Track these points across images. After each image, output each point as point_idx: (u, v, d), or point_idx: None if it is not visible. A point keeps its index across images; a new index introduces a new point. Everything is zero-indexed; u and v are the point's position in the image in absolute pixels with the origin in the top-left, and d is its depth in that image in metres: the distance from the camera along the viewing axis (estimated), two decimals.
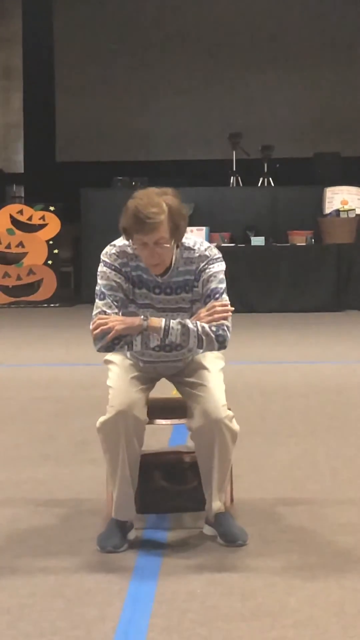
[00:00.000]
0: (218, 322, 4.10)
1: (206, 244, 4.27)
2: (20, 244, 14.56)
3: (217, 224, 14.08)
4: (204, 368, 4.24)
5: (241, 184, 15.11)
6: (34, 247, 14.55)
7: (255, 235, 14.06)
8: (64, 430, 6.37)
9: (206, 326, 4.08)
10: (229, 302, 4.16)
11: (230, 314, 4.13)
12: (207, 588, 3.65)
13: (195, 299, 4.22)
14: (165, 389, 4.60)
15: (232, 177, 15.09)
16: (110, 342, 4.08)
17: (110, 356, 4.31)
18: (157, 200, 4.02)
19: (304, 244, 13.82)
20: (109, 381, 4.22)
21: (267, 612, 3.42)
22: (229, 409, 4.14)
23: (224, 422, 4.09)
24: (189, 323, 4.09)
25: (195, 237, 4.30)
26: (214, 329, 4.08)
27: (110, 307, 4.14)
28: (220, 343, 4.10)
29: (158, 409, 4.35)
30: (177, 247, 4.19)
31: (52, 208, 14.64)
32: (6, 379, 8.47)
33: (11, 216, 14.63)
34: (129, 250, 4.17)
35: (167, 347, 4.23)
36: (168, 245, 4.06)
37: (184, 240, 4.21)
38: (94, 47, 18.53)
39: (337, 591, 3.61)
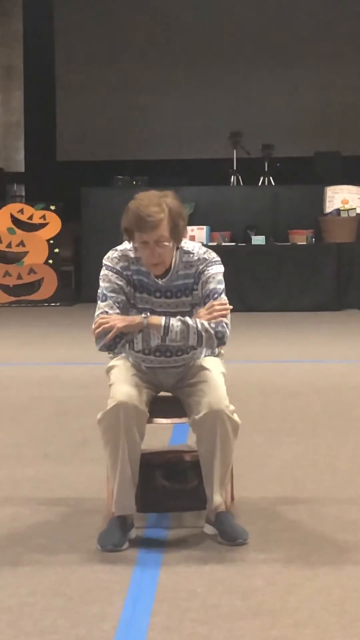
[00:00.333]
0: (217, 320, 4.16)
1: (204, 248, 4.35)
2: (21, 243, 14.55)
3: (217, 223, 14.07)
4: (205, 369, 4.27)
5: (242, 183, 15.10)
6: (35, 246, 14.54)
7: (255, 235, 14.05)
8: (64, 429, 6.38)
9: (205, 323, 4.14)
10: (227, 302, 4.22)
11: (228, 312, 4.19)
12: (207, 587, 3.65)
13: (195, 303, 4.29)
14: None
15: (232, 176, 15.08)
16: (112, 340, 4.13)
17: (112, 362, 4.33)
18: (157, 201, 4.12)
19: (305, 243, 13.82)
20: (111, 380, 4.25)
21: (268, 611, 3.43)
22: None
23: (226, 412, 4.11)
24: (189, 320, 4.15)
25: (194, 243, 4.37)
26: (212, 325, 4.14)
27: (112, 307, 4.20)
28: (219, 339, 4.15)
29: (158, 408, 4.36)
30: (177, 249, 4.25)
31: (52, 207, 14.63)
32: (7, 378, 8.48)
33: (12, 215, 14.63)
34: (131, 254, 4.25)
35: (167, 353, 4.28)
36: (168, 244, 4.14)
37: (183, 245, 4.28)
38: (94, 46, 18.53)
39: (338, 590, 3.61)
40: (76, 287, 15.46)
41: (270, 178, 15.16)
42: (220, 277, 4.27)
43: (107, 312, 4.19)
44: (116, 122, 18.42)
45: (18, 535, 4.29)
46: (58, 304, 14.45)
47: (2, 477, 5.26)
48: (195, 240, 12.99)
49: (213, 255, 4.32)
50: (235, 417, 4.16)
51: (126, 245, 4.29)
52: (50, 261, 14.56)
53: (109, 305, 4.20)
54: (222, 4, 18.42)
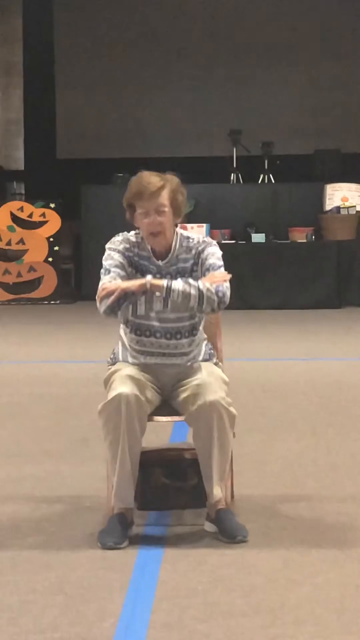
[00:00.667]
0: (217, 282, 4.25)
1: (203, 236, 4.49)
2: (21, 241, 14.55)
3: (217, 221, 14.07)
4: (202, 369, 4.30)
5: (242, 181, 15.11)
6: (35, 244, 14.54)
7: (255, 232, 14.05)
8: (65, 427, 6.38)
9: (207, 283, 4.23)
10: (226, 272, 4.32)
11: (228, 277, 4.28)
12: (207, 584, 3.65)
13: None
14: None
15: (232, 174, 15.08)
16: (115, 301, 4.19)
17: (112, 368, 4.34)
18: (156, 174, 4.33)
19: (305, 240, 13.82)
20: (111, 378, 4.25)
21: (268, 608, 3.43)
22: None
23: (221, 403, 4.12)
24: (190, 280, 4.24)
25: (194, 233, 4.49)
26: (214, 286, 4.22)
27: (115, 279, 4.28)
28: (219, 297, 4.22)
29: (158, 407, 4.36)
30: (178, 236, 4.36)
31: (52, 205, 14.63)
32: (7, 376, 8.48)
33: (12, 213, 14.62)
34: (132, 239, 4.36)
35: (167, 334, 4.29)
36: (167, 210, 4.27)
37: (183, 232, 4.40)
38: (94, 44, 18.52)
39: (338, 587, 3.61)
40: (76, 285, 15.46)
41: (270, 176, 15.16)
42: (219, 255, 4.37)
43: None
44: (116, 119, 18.41)
45: (18, 533, 4.29)
46: (58, 302, 14.45)
47: (2, 474, 5.26)
48: None
49: (211, 240, 4.44)
50: (232, 408, 4.16)
51: (127, 233, 4.41)
52: (50, 259, 14.55)
53: (112, 278, 4.27)
54: (222, 2, 18.41)
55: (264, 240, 13.91)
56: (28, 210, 14.63)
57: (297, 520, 4.41)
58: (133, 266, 4.34)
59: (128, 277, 4.30)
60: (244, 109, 17.99)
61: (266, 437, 6.03)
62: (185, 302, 4.20)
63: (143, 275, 4.29)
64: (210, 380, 4.21)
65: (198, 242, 4.38)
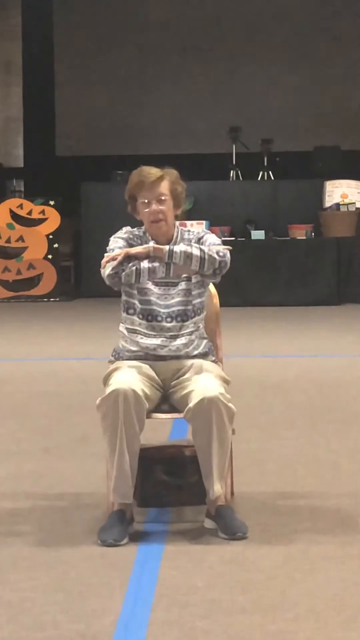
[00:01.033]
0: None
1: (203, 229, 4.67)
2: (20, 239, 14.55)
3: (217, 218, 14.06)
4: (202, 366, 4.32)
5: (241, 178, 15.10)
6: (34, 241, 14.54)
7: (255, 229, 14.05)
8: (64, 425, 6.38)
9: (207, 248, 4.39)
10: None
11: (229, 249, 4.44)
12: (207, 581, 3.65)
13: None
14: None
15: (232, 171, 15.08)
16: (119, 265, 4.34)
17: (111, 367, 4.36)
18: (155, 168, 4.48)
19: (304, 237, 13.82)
20: (111, 375, 4.27)
21: (268, 605, 3.43)
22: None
23: (220, 399, 4.13)
24: (192, 243, 4.42)
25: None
26: (214, 248, 4.39)
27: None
28: (221, 257, 4.37)
29: (158, 404, 4.36)
30: (178, 229, 4.49)
31: (52, 202, 14.63)
32: (6, 374, 8.48)
33: (11, 210, 14.63)
34: (136, 232, 4.51)
35: (168, 318, 4.36)
36: (168, 199, 4.41)
37: (183, 228, 4.53)
38: (93, 42, 18.51)
39: (338, 584, 3.61)
40: (75, 282, 15.46)
41: (270, 173, 15.16)
42: (219, 241, 4.51)
43: None
44: (115, 117, 18.40)
45: (18, 530, 4.29)
46: (57, 299, 14.46)
47: (2, 472, 5.26)
48: None
49: (209, 232, 4.60)
50: (231, 405, 4.17)
51: (130, 227, 4.56)
52: (50, 256, 14.56)
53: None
54: None
55: (263, 237, 13.91)
56: (27, 208, 14.63)
57: (296, 517, 4.41)
58: None
59: None
60: (244, 106, 17.99)
61: (266, 434, 6.03)
62: (187, 263, 4.35)
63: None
64: (209, 376, 4.22)
65: (198, 232, 4.54)
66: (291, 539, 4.10)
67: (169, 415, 4.41)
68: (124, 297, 4.45)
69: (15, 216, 14.60)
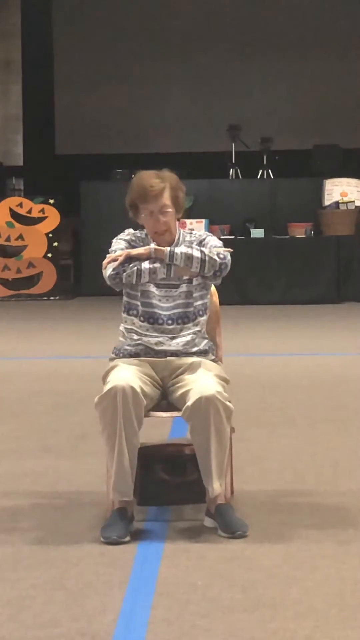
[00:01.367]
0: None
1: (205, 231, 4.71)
2: (20, 237, 14.55)
3: (216, 216, 14.06)
4: (201, 365, 4.32)
5: (240, 176, 15.10)
6: (34, 240, 14.54)
7: (254, 228, 14.05)
8: (64, 423, 6.38)
9: (208, 250, 4.42)
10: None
11: (230, 251, 4.47)
12: (207, 580, 3.65)
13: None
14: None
15: (231, 170, 15.07)
16: (120, 266, 4.38)
17: (110, 364, 4.36)
18: (157, 174, 4.49)
19: (304, 236, 13.81)
20: (110, 372, 4.27)
21: (268, 603, 3.43)
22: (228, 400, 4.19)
23: (218, 397, 4.13)
24: (193, 245, 4.44)
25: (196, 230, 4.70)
26: (215, 250, 4.42)
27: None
28: (221, 259, 4.40)
29: (158, 403, 4.36)
30: (179, 225, 4.51)
31: (51, 201, 14.63)
32: (6, 372, 8.48)
33: (11, 209, 14.62)
34: (138, 234, 4.54)
35: (169, 321, 4.38)
36: (171, 211, 4.43)
37: (184, 229, 4.54)
38: (93, 40, 18.50)
39: (338, 582, 3.61)
40: (75, 281, 15.46)
41: (269, 171, 15.15)
42: (221, 243, 4.53)
43: None
44: (115, 115, 18.39)
45: (18, 528, 4.29)
46: (57, 297, 14.46)
47: (1, 470, 5.26)
48: None
49: (211, 234, 4.64)
50: (229, 403, 4.17)
51: (132, 229, 4.59)
52: (49, 255, 14.56)
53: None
54: None
55: (263, 236, 13.91)
56: (27, 206, 14.63)
57: (297, 515, 4.41)
58: None
59: None
60: (243, 104, 17.98)
61: (266, 433, 6.03)
62: (188, 265, 4.37)
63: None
64: (207, 375, 4.22)
65: (199, 234, 4.57)
66: (291, 537, 4.10)
67: (168, 414, 4.41)
68: (125, 299, 4.46)
69: (15, 215, 14.59)
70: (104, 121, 18.40)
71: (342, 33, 18.17)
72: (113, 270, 4.38)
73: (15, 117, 19.36)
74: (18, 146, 19.35)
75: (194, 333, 4.43)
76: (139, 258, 4.39)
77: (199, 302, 4.46)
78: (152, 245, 4.41)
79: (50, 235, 14.56)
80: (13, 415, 6.68)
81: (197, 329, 4.45)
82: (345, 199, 13.94)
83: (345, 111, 18.07)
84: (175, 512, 4.47)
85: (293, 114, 18.06)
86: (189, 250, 4.38)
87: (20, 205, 14.69)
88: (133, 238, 4.52)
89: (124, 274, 4.37)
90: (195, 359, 4.37)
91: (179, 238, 4.49)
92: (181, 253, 4.36)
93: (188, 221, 12.94)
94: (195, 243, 4.48)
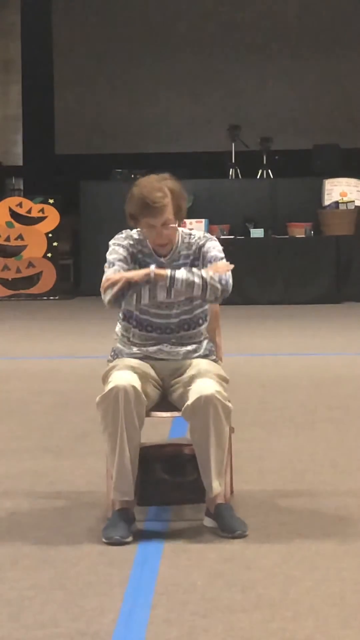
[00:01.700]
0: (220, 273, 4.31)
1: (204, 232, 4.57)
2: (20, 237, 14.55)
3: (216, 216, 14.07)
4: (198, 364, 4.32)
5: (240, 176, 15.09)
6: (34, 239, 14.54)
7: (254, 227, 14.05)
8: (64, 423, 6.38)
9: (210, 272, 4.28)
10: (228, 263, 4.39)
11: (231, 268, 4.33)
12: (207, 580, 3.65)
13: None
14: None
15: (231, 169, 15.07)
16: (120, 291, 4.24)
17: (111, 364, 4.35)
18: (159, 185, 4.30)
19: (303, 236, 13.81)
20: (110, 372, 4.27)
21: (268, 603, 3.43)
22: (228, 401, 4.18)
23: (217, 397, 4.13)
24: (194, 269, 4.30)
25: (195, 230, 4.58)
26: (217, 276, 4.28)
27: (118, 272, 4.32)
28: (223, 285, 4.27)
29: (157, 403, 4.36)
30: (179, 227, 4.41)
31: (51, 201, 14.63)
32: (6, 372, 8.48)
33: (10, 209, 14.62)
34: (135, 236, 4.42)
35: (167, 330, 4.35)
36: (174, 226, 4.32)
37: (184, 230, 4.47)
38: (92, 39, 18.50)
39: (337, 582, 3.61)
40: (75, 281, 15.46)
41: (269, 171, 15.15)
42: (220, 248, 4.44)
43: None
44: (114, 115, 18.40)
45: (18, 528, 4.29)
46: (57, 297, 14.46)
47: (1, 470, 5.26)
48: None
49: (212, 235, 4.53)
50: (228, 403, 4.17)
51: (130, 231, 4.47)
52: (49, 255, 14.56)
53: (115, 270, 4.32)
54: None
55: (262, 236, 13.91)
56: (27, 206, 14.63)
57: (296, 515, 4.41)
58: (136, 262, 4.38)
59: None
60: (243, 104, 17.98)
61: (265, 432, 6.03)
62: (189, 290, 4.25)
63: None
64: (206, 375, 4.22)
65: (199, 237, 4.45)
66: (291, 537, 4.10)
67: (169, 414, 4.41)
68: (123, 305, 4.36)
69: (14, 215, 14.59)
70: (103, 121, 18.40)
71: (342, 33, 18.17)
72: (112, 296, 4.23)
73: (14, 117, 19.36)
74: (18, 146, 19.35)
75: (195, 343, 4.41)
76: (138, 282, 4.25)
77: (199, 310, 4.44)
78: (152, 268, 4.25)
79: (50, 235, 14.57)
80: (13, 415, 6.68)
81: (199, 338, 4.43)
82: (345, 199, 13.94)
83: (345, 111, 18.07)
84: (175, 512, 4.47)
85: (293, 114, 18.06)
86: (190, 277, 4.23)
87: (20, 205, 14.69)
88: (132, 242, 4.41)
89: (124, 301, 4.26)
90: (195, 360, 4.37)
91: (178, 241, 4.42)
92: (182, 280, 4.22)
93: (188, 221, 12.93)
94: (194, 247, 4.40)
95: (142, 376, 4.25)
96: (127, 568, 3.79)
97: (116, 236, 4.46)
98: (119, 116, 18.40)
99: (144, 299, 4.27)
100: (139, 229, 4.43)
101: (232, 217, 14.25)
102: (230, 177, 15.07)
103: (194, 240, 4.44)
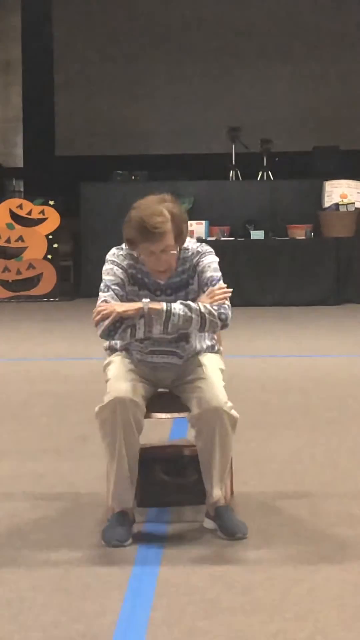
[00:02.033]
0: (219, 303, 4.17)
1: (197, 242, 4.39)
2: (20, 239, 14.54)
3: (216, 218, 14.06)
4: (203, 365, 4.28)
5: (240, 178, 15.09)
6: (34, 241, 14.53)
7: (254, 229, 14.04)
8: (64, 425, 6.38)
9: (208, 305, 4.15)
10: (226, 286, 4.24)
11: (229, 295, 4.21)
12: (207, 581, 3.65)
13: (193, 298, 4.29)
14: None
15: (231, 171, 15.06)
16: (112, 325, 4.12)
17: (109, 358, 4.34)
18: (159, 209, 4.12)
19: (304, 237, 13.81)
20: (108, 376, 4.25)
21: (268, 605, 3.43)
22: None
23: (224, 408, 4.12)
24: (191, 303, 4.15)
25: (189, 239, 4.37)
26: (215, 307, 4.15)
27: (113, 298, 4.21)
28: (222, 321, 4.16)
29: (158, 403, 4.36)
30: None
31: (51, 202, 14.62)
32: (6, 373, 8.48)
33: (11, 210, 14.62)
34: (134, 254, 4.27)
35: (165, 342, 4.28)
36: (175, 252, 4.18)
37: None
38: (93, 41, 18.50)
39: (337, 584, 3.61)
40: (75, 282, 15.45)
41: (269, 173, 15.15)
42: (216, 265, 4.30)
43: (107, 302, 4.19)
44: (115, 116, 18.39)
45: (17, 530, 4.29)
46: (57, 299, 14.45)
47: (1, 472, 5.26)
48: (194, 235, 13.05)
49: (206, 248, 4.36)
50: (234, 412, 4.16)
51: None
52: (49, 256, 14.55)
53: (110, 296, 4.20)
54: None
55: (263, 237, 13.90)
56: (27, 208, 14.62)
57: (296, 517, 4.41)
58: (135, 283, 4.28)
59: (127, 295, 4.25)
60: (243, 106, 17.97)
61: (265, 434, 6.03)
62: (186, 325, 4.14)
63: (143, 291, 4.27)
64: (212, 381, 4.18)
65: (192, 253, 4.31)
66: (291, 539, 4.10)
67: (169, 415, 4.41)
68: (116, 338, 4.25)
69: (14, 216, 14.59)
70: (104, 123, 18.40)
71: (342, 34, 18.17)
72: (103, 332, 4.12)
73: (15, 118, 19.36)
74: (18, 147, 19.35)
75: (194, 346, 4.39)
76: (132, 316, 4.12)
77: None
78: (146, 301, 4.13)
79: (50, 236, 14.56)
80: (13, 417, 6.68)
81: (199, 347, 4.40)
82: (345, 201, 13.94)
83: (345, 113, 18.06)
84: (175, 514, 4.47)
85: (293, 116, 18.06)
86: (188, 312, 4.10)
87: (20, 206, 14.68)
88: (131, 262, 4.26)
89: (116, 335, 4.16)
90: (196, 357, 4.33)
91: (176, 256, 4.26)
92: (179, 315, 4.09)
93: (188, 222, 12.92)
94: (188, 263, 4.26)
95: (138, 378, 4.22)
96: (127, 570, 3.79)
97: (115, 251, 4.32)
98: (119, 118, 18.40)
99: (139, 334, 4.16)
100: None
101: (233, 218, 14.25)
102: (230, 179, 15.06)
103: (188, 256, 4.30)
